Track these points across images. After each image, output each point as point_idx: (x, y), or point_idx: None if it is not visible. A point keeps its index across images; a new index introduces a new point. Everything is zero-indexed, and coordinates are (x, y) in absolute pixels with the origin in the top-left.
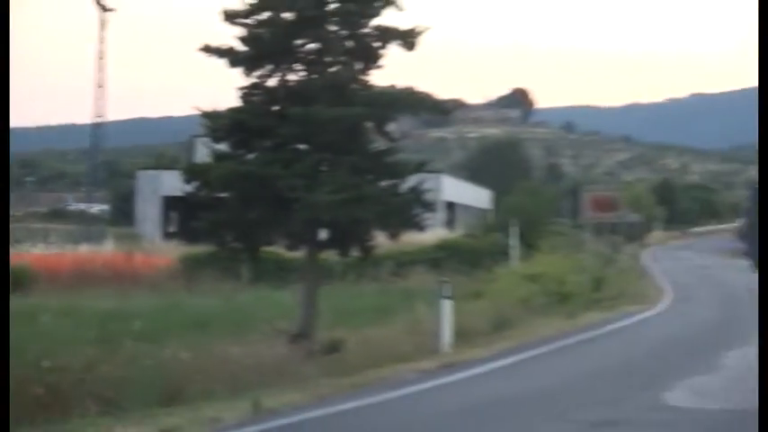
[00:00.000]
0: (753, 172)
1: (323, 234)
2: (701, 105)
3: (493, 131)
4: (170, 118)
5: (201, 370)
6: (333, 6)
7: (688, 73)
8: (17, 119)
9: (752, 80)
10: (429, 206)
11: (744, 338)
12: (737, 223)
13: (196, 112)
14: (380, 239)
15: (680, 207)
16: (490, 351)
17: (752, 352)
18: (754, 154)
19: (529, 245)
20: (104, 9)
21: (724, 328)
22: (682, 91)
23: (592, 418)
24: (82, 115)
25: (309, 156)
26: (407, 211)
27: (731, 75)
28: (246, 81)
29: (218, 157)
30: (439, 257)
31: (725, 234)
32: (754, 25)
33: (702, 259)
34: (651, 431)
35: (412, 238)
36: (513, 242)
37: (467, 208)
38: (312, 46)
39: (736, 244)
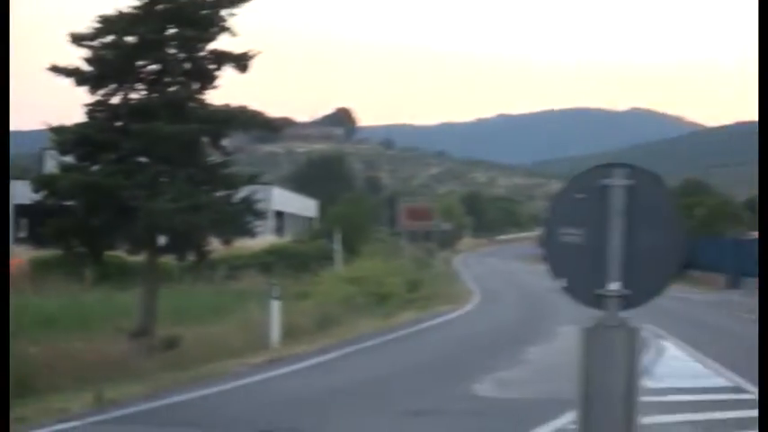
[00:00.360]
0: (552, 185)
1: (162, 239)
2: (506, 125)
3: (319, 147)
4: (20, 132)
5: (49, 365)
6: (172, 31)
7: (495, 94)
8: None
9: (555, 101)
10: (260, 215)
11: (544, 336)
12: (538, 232)
13: (44, 127)
14: (215, 245)
15: (487, 217)
16: (315, 347)
17: (551, 348)
18: (552, 169)
19: (351, 250)
20: None
21: (527, 326)
22: (489, 111)
23: (408, 407)
24: None
25: (150, 168)
26: (240, 219)
27: (534, 96)
28: (92, 98)
29: (65, 168)
30: (269, 262)
31: (527, 241)
32: (561, 47)
33: (507, 264)
34: (462, 419)
35: (244, 244)
36: (337, 248)
37: (295, 216)
38: (153, 67)
39: (537, 250)
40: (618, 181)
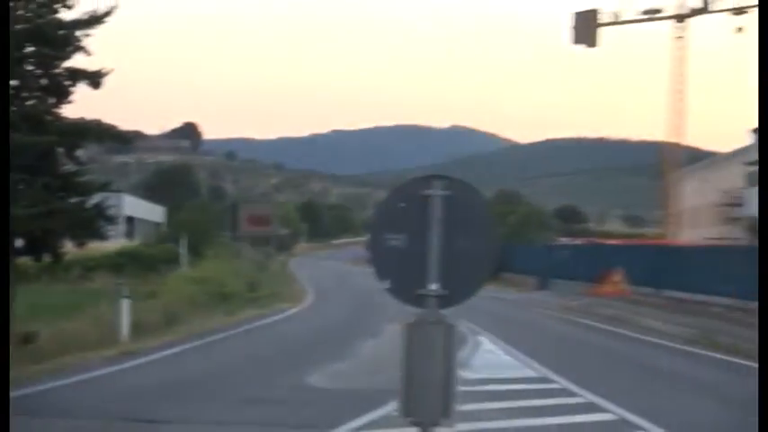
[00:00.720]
0: (381, 194)
1: (19, 242)
2: (339, 139)
3: (167, 158)
4: None
5: None
6: (30, 50)
7: (329, 111)
8: None
9: (384, 119)
10: (111, 220)
11: (372, 331)
12: (366, 237)
13: None
14: (70, 247)
15: (322, 223)
16: (162, 341)
17: (378, 342)
18: (382, 179)
19: (196, 253)
20: None
21: (357, 323)
22: (323, 127)
23: (245, 396)
24: None
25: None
26: (93, 223)
27: (365, 114)
28: None
29: None
30: (120, 263)
31: (358, 246)
32: (388, 67)
33: (340, 266)
34: (295, 407)
35: (97, 247)
36: (183, 250)
37: (144, 222)
38: (12, 82)
39: (366, 253)
40: (437, 191)
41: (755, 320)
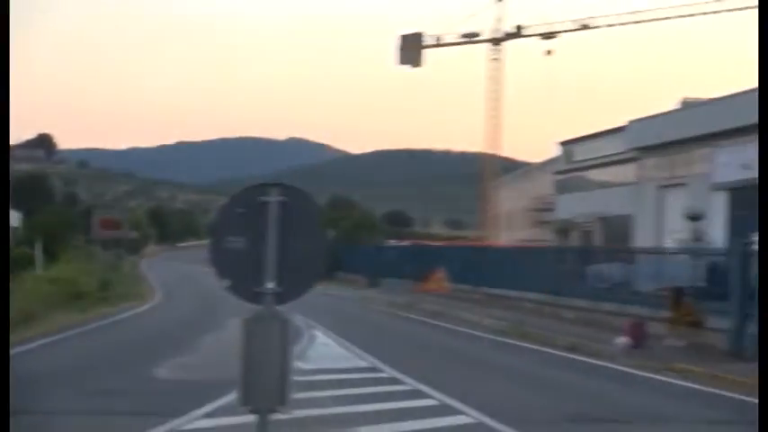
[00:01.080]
0: (223, 201)
1: None
2: (185, 150)
3: (23, 167)
4: None
5: None
6: None
7: (175, 123)
8: None
9: (227, 131)
10: None
11: (216, 326)
12: (209, 240)
13: None
14: None
15: (170, 228)
16: (19, 338)
17: (221, 336)
18: (226, 187)
19: (51, 255)
20: None
21: (201, 319)
22: (170, 138)
23: (95, 387)
24: None
25: None
26: None
27: (210, 126)
28: None
29: None
30: None
31: (203, 248)
32: (229, 81)
33: (186, 267)
34: (143, 398)
35: None
36: (38, 253)
37: None
38: None
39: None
40: (273, 198)
41: (563, 314)
